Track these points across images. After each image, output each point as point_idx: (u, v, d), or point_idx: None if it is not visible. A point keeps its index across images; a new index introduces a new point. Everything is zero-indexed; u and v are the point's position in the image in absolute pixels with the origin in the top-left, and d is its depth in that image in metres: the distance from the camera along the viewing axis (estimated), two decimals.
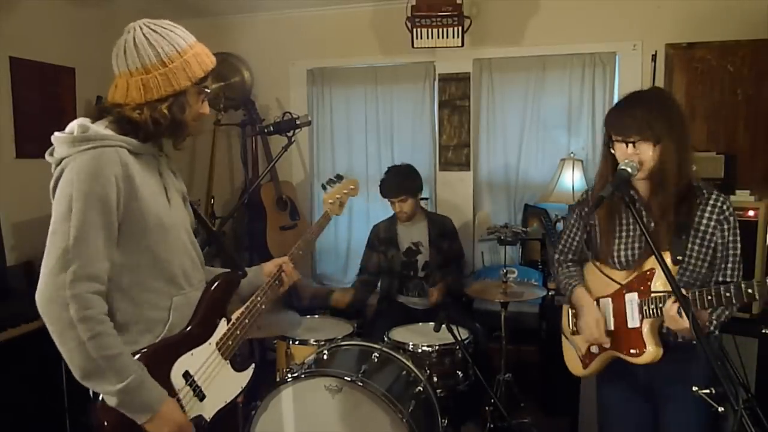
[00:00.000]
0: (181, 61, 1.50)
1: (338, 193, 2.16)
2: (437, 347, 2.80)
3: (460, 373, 2.84)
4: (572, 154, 3.76)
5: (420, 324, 3.13)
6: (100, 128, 1.49)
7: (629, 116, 1.77)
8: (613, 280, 1.82)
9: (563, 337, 2.14)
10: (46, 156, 1.50)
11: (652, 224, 1.81)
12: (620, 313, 1.86)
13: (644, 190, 1.85)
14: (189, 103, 1.55)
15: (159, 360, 1.53)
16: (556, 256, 2.16)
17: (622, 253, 1.88)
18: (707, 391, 1.47)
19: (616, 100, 3.77)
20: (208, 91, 1.61)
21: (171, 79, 1.49)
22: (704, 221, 1.79)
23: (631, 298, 1.81)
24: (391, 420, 2.29)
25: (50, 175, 1.48)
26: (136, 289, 1.51)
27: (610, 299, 1.90)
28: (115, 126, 1.51)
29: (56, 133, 1.48)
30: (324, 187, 2.18)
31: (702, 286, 1.79)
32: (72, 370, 1.41)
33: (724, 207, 1.79)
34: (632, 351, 1.81)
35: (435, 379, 2.76)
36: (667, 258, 1.72)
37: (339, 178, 2.21)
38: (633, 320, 1.82)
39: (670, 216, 1.78)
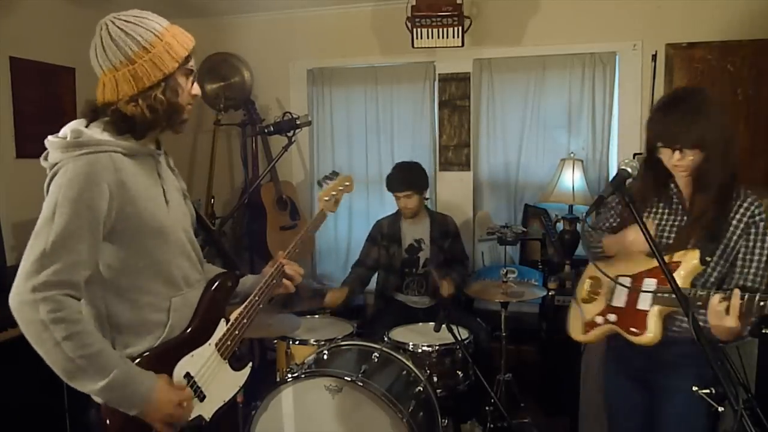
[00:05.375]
0: (162, 44, 1.47)
1: (333, 190, 2.13)
2: (437, 347, 2.80)
3: (460, 373, 2.84)
4: (572, 154, 3.76)
5: (420, 324, 3.13)
6: (95, 132, 1.46)
7: (676, 124, 1.77)
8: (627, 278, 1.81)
9: (572, 301, 2.15)
10: (41, 161, 1.47)
11: (684, 219, 1.86)
12: (634, 294, 1.89)
13: (685, 185, 1.89)
14: (180, 85, 1.53)
15: (161, 363, 1.52)
16: (588, 227, 2.19)
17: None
18: (707, 391, 1.47)
19: (616, 99, 3.84)
20: (193, 69, 1.57)
21: (158, 63, 1.46)
22: (734, 222, 1.81)
23: (650, 283, 1.84)
24: (391, 420, 2.29)
25: None
26: (135, 292, 1.50)
27: (629, 279, 1.93)
28: (112, 127, 1.48)
29: (49, 138, 1.45)
30: (320, 184, 2.16)
31: (719, 285, 1.82)
32: (54, 370, 1.39)
33: (756, 212, 1.81)
34: (632, 330, 1.84)
35: (435, 379, 2.76)
36: (696, 256, 1.75)
37: (335, 174, 2.18)
38: (643, 303, 1.85)
39: (708, 215, 1.81)
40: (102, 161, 1.42)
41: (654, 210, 1.95)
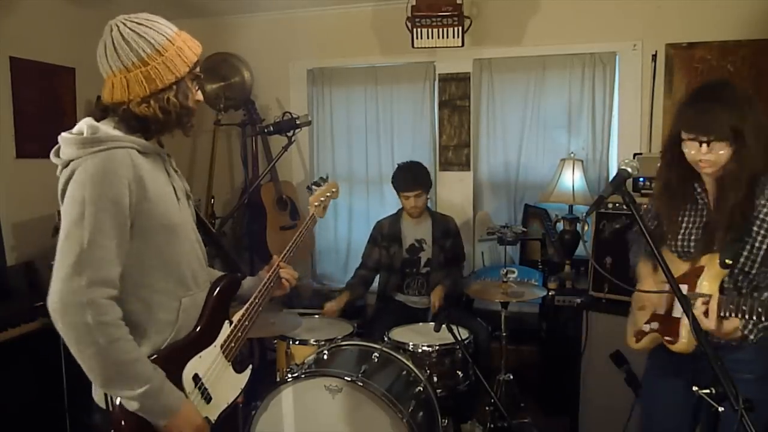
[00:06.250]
0: (174, 48, 1.49)
1: (322, 196, 2.16)
2: (437, 347, 2.80)
3: (460, 373, 2.84)
4: (572, 154, 3.75)
5: (420, 324, 3.13)
6: (109, 129, 1.47)
7: (706, 114, 1.68)
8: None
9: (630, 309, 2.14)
10: (52, 157, 1.47)
11: (706, 221, 1.81)
12: (670, 301, 1.88)
13: (711, 184, 1.82)
14: (190, 89, 1.55)
15: (172, 363, 1.52)
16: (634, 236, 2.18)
17: (679, 243, 1.88)
18: (707, 391, 1.47)
19: (616, 99, 3.83)
20: (200, 75, 1.59)
21: (170, 67, 1.48)
22: (758, 220, 1.71)
23: (684, 289, 1.80)
24: (391, 420, 2.29)
25: (50, 175, 1.46)
26: (147, 291, 1.50)
27: (668, 286, 1.91)
28: (123, 125, 1.49)
29: (64, 134, 1.45)
30: (310, 189, 2.19)
31: (755, 287, 1.76)
32: (90, 377, 1.39)
33: None
34: (667, 338, 1.84)
35: (435, 379, 2.76)
36: (716, 260, 1.71)
37: (323, 180, 2.23)
38: (677, 310, 1.84)
39: (733, 217, 1.72)
40: (120, 157, 1.42)
41: (681, 213, 1.88)
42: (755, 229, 1.72)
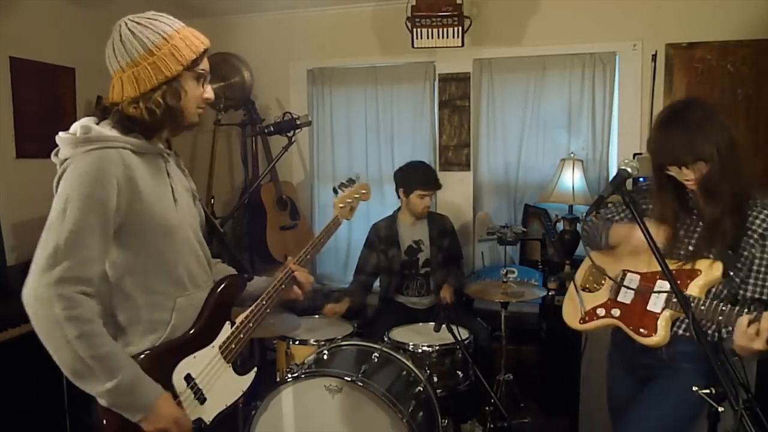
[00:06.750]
0: (169, 46, 1.48)
1: (349, 197, 2.09)
2: (437, 347, 2.80)
3: (460, 373, 2.84)
4: (572, 154, 3.76)
5: (420, 324, 3.13)
6: (105, 129, 1.47)
7: (670, 144, 1.76)
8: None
9: (572, 287, 2.13)
10: (52, 156, 1.48)
11: (699, 228, 1.84)
12: (643, 294, 1.88)
13: (699, 195, 1.85)
14: (184, 88, 1.52)
15: (161, 362, 1.52)
16: (594, 213, 2.13)
17: (674, 245, 1.89)
18: (707, 391, 1.47)
19: (616, 99, 3.84)
20: (205, 72, 1.56)
21: (161, 66, 1.46)
22: (748, 233, 1.77)
23: (662, 285, 1.83)
24: (391, 420, 2.29)
25: (51, 175, 1.47)
26: (140, 291, 1.50)
27: (638, 277, 1.92)
28: (119, 126, 1.49)
29: (60, 134, 1.46)
30: (335, 191, 2.11)
31: (733, 296, 1.79)
32: (61, 369, 1.38)
33: None
34: (642, 330, 1.85)
35: (435, 379, 2.76)
36: (719, 269, 1.75)
37: (351, 182, 2.15)
38: (655, 305, 1.84)
39: (722, 224, 1.77)
40: (111, 157, 1.42)
41: (680, 223, 1.91)
42: (751, 242, 1.76)
